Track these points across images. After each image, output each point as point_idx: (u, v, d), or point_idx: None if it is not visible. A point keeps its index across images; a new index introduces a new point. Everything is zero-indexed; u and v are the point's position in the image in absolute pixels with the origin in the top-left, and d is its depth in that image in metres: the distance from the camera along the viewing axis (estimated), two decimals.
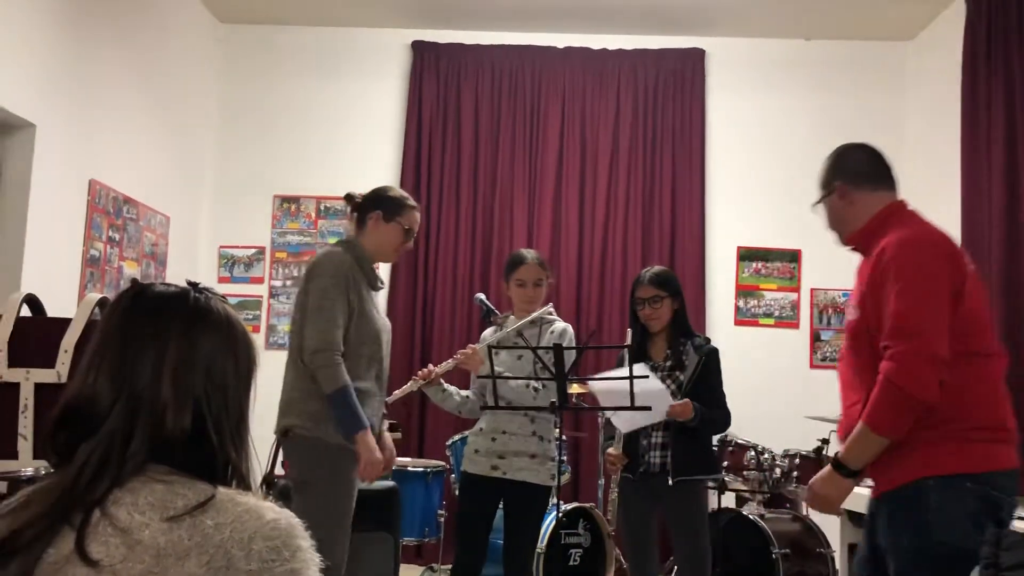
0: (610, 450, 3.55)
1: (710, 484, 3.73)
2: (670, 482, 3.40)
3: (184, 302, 1.21)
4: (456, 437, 4.72)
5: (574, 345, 3.56)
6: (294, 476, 3.01)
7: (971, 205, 5.01)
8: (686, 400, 3.38)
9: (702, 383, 3.46)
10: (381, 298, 5.88)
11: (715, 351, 3.54)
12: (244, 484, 1.18)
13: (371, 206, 3.17)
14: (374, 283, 3.17)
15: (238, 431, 1.21)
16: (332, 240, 6.10)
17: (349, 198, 3.25)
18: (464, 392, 3.63)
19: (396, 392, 3.48)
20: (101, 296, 2.88)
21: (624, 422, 3.39)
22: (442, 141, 6.15)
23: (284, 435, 2.99)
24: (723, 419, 3.56)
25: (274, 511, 1.13)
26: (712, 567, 4.08)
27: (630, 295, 3.65)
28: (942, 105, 5.47)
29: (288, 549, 1.10)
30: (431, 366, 3.55)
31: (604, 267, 5.99)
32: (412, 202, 3.23)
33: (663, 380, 3.43)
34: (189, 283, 1.25)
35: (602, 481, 3.71)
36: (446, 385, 3.56)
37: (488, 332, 3.71)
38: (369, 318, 3.07)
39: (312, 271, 3.03)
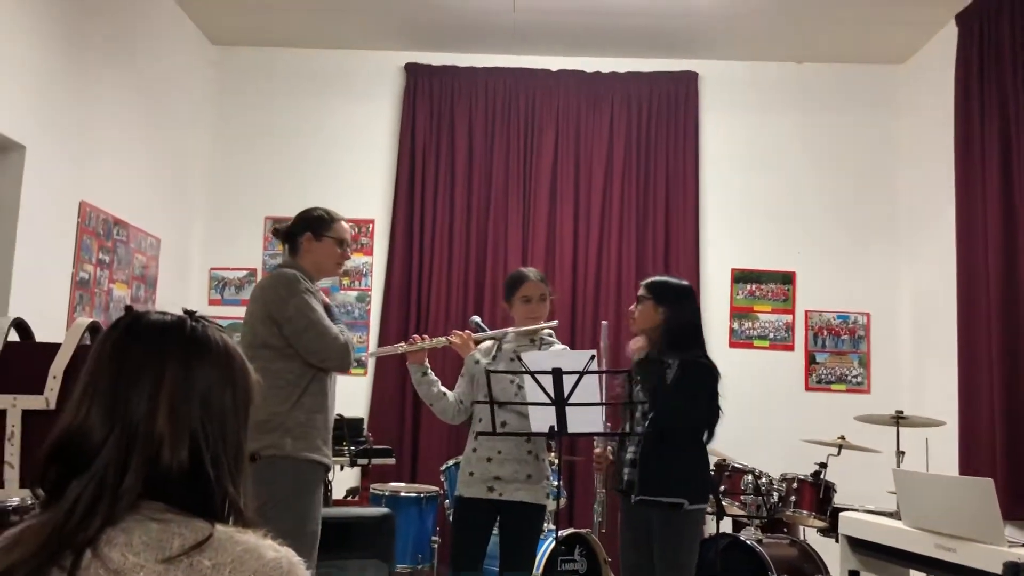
0: (596, 449, 3.52)
1: (709, 510, 3.61)
2: (632, 500, 3.22)
3: (181, 331, 1.16)
4: (451, 462, 4.66)
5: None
6: (259, 501, 2.87)
7: (966, 226, 5.00)
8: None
9: (680, 390, 3.20)
10: (374, 321, 5.89)
11: (699, 364, 3.25)
12: (243, 520, 1.13)
13: (300, 229, 3.26)
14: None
15: (236, 464, 1.16)
16: None
17: (276, 232, 3.37)
18: (445, 389, 3.61)
19: (380, 349, 3.96)
20: (91, 320, 2.82)
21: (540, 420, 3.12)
22: (436, 163, 6.13)
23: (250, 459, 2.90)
24: (693, 413, 3.21)
25: (275, 550, 1.08)
26: None
27: None
28: (935, 128, 5.48)
29: None
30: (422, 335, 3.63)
31: (599, 291, 5.96)
32: (337, 215, 3.33)
33: (631, 394, 3.27)
34: (185, 311, 1.20)
35: (598, 507, 3.66)
36: (429, 369, 3.58)
37: (485, 346, 3.68)
38: None
39: (275, 292, 3.05)
